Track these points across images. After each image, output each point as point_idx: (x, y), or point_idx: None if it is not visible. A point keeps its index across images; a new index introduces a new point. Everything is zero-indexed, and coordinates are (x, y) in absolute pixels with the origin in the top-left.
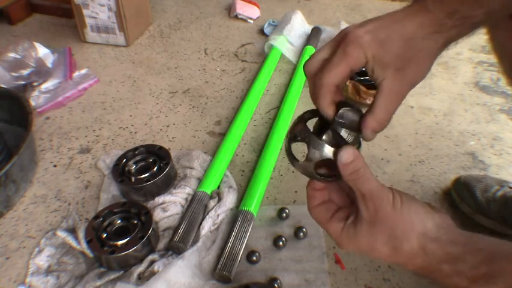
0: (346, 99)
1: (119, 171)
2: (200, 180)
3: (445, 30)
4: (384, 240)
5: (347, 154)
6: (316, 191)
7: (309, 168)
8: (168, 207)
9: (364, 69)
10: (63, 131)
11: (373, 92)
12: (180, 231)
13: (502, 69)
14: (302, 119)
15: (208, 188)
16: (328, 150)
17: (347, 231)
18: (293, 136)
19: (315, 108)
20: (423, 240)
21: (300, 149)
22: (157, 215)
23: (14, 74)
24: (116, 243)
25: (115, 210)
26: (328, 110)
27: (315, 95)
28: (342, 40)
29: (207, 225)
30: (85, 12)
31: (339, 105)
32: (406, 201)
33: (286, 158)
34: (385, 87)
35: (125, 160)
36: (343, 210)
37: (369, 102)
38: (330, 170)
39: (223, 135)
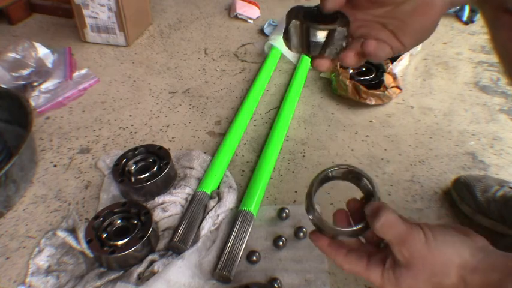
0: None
1: (119, 171)
2: (200, 180)
3: None
4: (425, 279)
5: (372, 206)
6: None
7: (332, 230)
8: (168, 207)
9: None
10: (63, 131)
11: (372, 92)
12: (180, 231)
13: (503, 69)
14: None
15: (208, 188)
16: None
17: (387, 276)
18: None
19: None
20: (463, 272)
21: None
22: (157, 215)
23: (14, 74)
24: (116, 243)
25: (115, 210)
26: None
27: None
28: None
29: (207, 225)
30: (85, 12)
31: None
32: (439, 234)
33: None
34: None
35: (125, 160)
36: (376, 254)
37: (369, 102)
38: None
39: (223, 135)
